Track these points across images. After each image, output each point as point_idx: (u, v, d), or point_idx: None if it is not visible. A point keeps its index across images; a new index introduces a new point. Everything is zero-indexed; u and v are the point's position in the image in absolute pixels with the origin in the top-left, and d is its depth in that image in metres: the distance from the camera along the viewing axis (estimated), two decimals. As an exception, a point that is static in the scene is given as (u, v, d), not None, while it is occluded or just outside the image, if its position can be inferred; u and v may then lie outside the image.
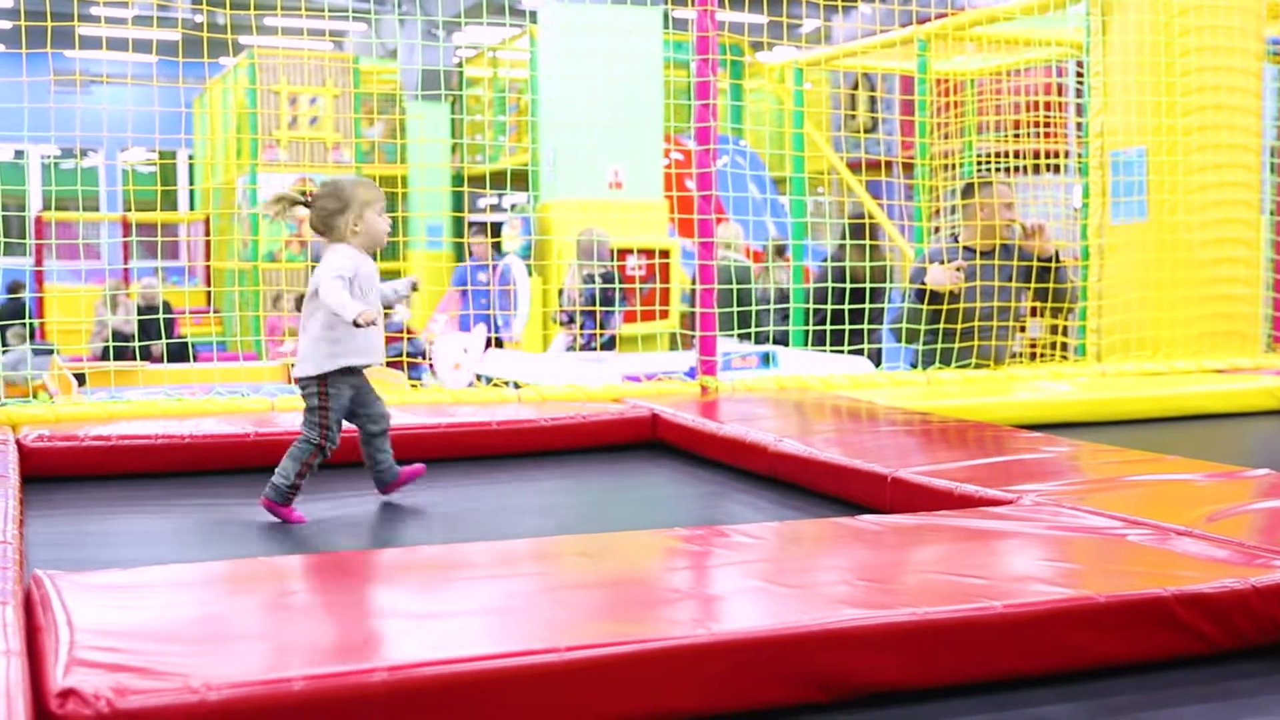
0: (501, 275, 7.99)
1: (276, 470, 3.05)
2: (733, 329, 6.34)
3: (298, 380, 3.09)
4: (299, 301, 7.85)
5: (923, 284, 5.13)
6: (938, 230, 6.54)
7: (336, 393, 3.07)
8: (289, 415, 4.00)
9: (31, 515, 2.95)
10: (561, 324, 7.30)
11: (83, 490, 3.39)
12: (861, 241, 6.53)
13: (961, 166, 8.45)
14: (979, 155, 8.80)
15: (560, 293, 7.24)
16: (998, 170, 8.04)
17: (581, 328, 7.16)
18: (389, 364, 7.30)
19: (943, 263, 5.15)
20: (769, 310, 7.35)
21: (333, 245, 3.08)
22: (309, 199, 3.12)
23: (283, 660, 1.62)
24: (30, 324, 8.86)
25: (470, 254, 8.79)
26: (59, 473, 3.48)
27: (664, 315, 8.20)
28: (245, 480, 3.52)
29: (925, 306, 5.13)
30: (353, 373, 3.11)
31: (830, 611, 1.85)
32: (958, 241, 5.32)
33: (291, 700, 1.52)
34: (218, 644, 1.69)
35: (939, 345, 5.15)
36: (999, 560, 2.27)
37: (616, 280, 7.41)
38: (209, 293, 13.65)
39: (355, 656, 1.64)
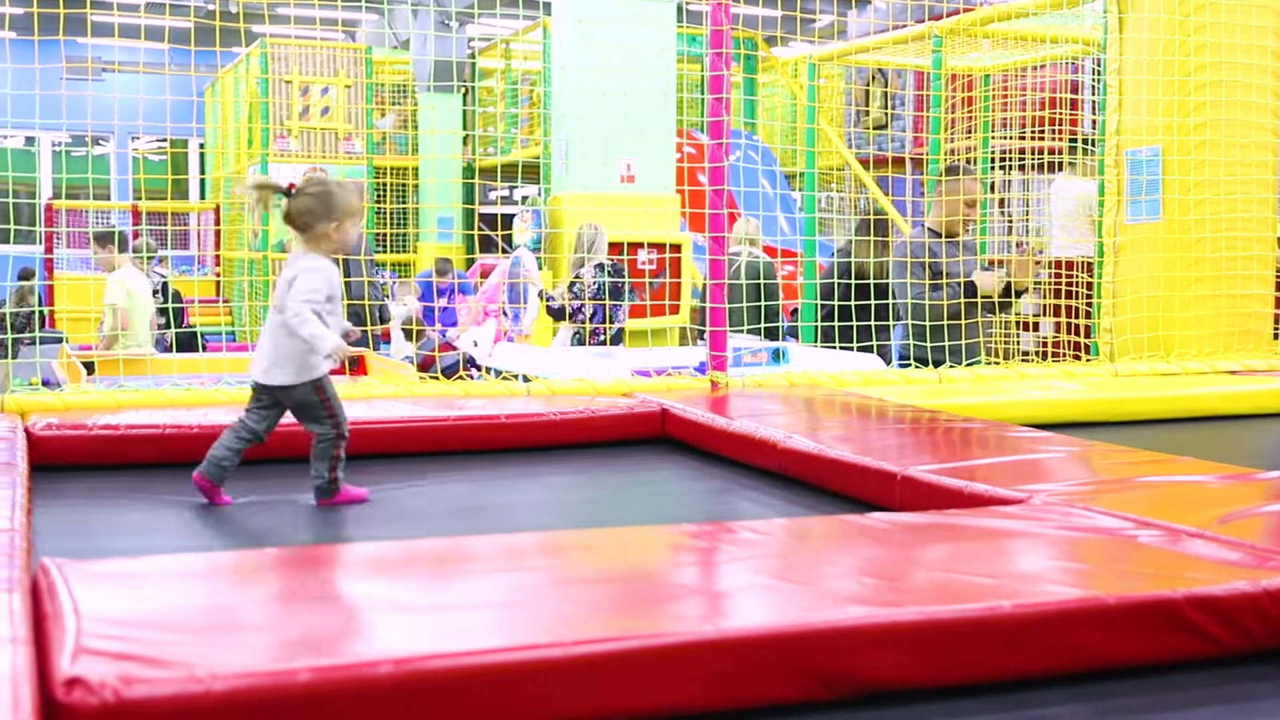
0: (511, 269, 7.98)
1: (312, 473, 3.14)
2: (753, 326, 6.32)
3: (278, 387, 3.11)
4: None
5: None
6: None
7: (330, 383, 3.15)
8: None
9: (39, 503, 2.95)
10: (550, 313, 7.29)
11: (90, 479, 3.39)
12: (874, 238, 6.51)
13: (976, 163, 8.43)
14: (993, 152, 8.78)
15: (570, 285, 7.24)
16: (1010, 168, 8.03)
17: (591, 318, 7.15)
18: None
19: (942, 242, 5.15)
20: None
21: (307, 255, 3.10)
22: (290, 191, 3.12)
23: (288, 651, 1.61)
24: (39, 311, 8.88)
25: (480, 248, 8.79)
26: (67, 461, 3.48)
27: (674, 310, 8.19)
28: (253, 471, 3.52)
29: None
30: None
31: (837, 609, 1.84)
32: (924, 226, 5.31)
33: (297, 691, 1.52)
34: (224, 634, 1.69)
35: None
36: (1008, 560, 2.26)
37: (625, 274, 7.39)
38: (218, 282, 13.67)
39: (361, 649, 1.63)
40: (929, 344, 5.08)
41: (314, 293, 3.02)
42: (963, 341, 5.12)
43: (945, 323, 5.10)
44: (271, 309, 3.14)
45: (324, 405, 3.12)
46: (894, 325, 5.75)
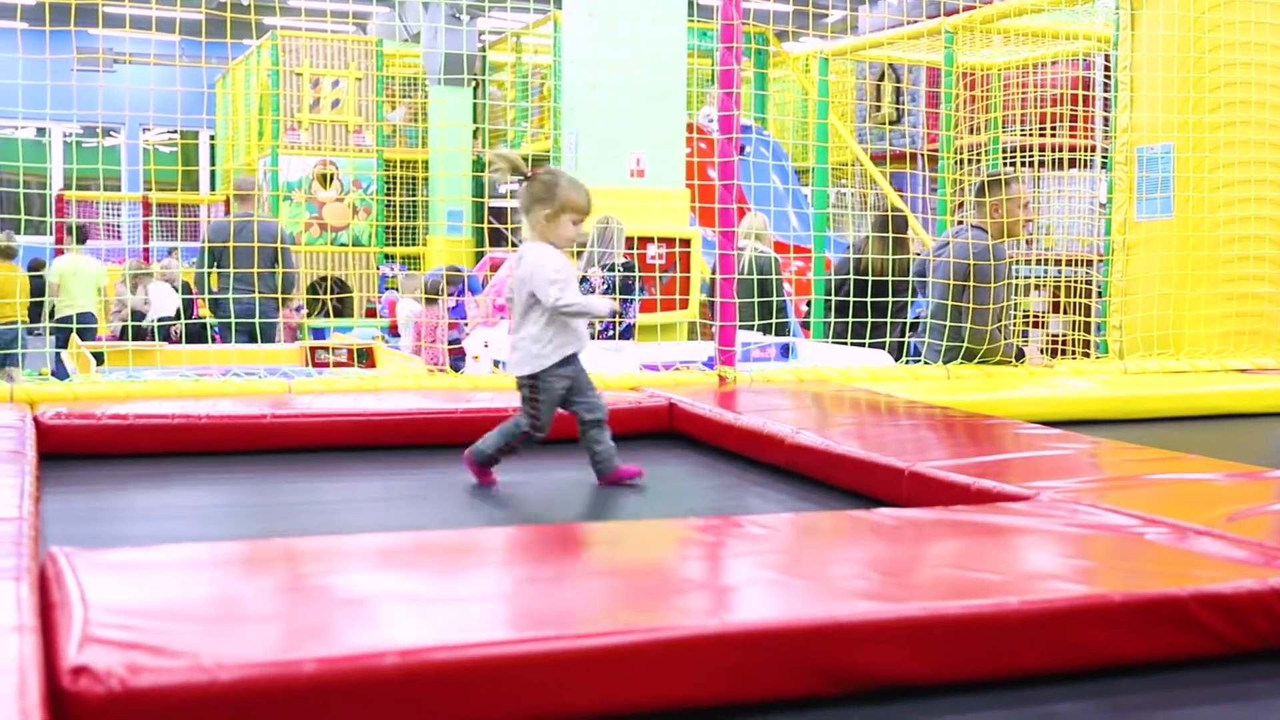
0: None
1: (485, 436, 3.25)
2: (760, 321, 6.30)
3: (519, 379, 3.24)
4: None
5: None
6: (961, 223, 6.52)
7: (548, 386, 3.22)
8: (305, 398, 4.01)
9: (48, 492, 2.96)
10: None
11: (99, 468, 3.40)
12: (889, 234, 6.49)
13: (987, 160, 8.42)
14: (1004, 149, 8.76)
15: (581, 281, 7.23)
16: (1023, 165, 8.00)
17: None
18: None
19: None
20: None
21: (532, 244, 3.19)
22: (528, 175, 3.21)
23: (294, 642, 1.62)
24: (49, 302, 8.90)
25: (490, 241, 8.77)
26: (76, 450, 3.49)
27: (683, 305, 8.18)
28: (261, 461, 3.53)
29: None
30: (569, 362, 3.23)
31: (843, 604, 1.84)
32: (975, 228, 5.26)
33: (303, 682, 1.52)
34: (230, 624, 1.69)
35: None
36: (1015, 556, 2.25)
37: (636, 269, 7.39)
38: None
39: (367, 639, 1.63)
40: (966, 345, 5.04)
41: (556, 272, 3.11)
42: (1002, 343, 5.09)
43: (989, 326, 5.06)
44: (512, 304, 3.23)
45: (533, 403, 3.23)
46: (917, 324, 5.71)
